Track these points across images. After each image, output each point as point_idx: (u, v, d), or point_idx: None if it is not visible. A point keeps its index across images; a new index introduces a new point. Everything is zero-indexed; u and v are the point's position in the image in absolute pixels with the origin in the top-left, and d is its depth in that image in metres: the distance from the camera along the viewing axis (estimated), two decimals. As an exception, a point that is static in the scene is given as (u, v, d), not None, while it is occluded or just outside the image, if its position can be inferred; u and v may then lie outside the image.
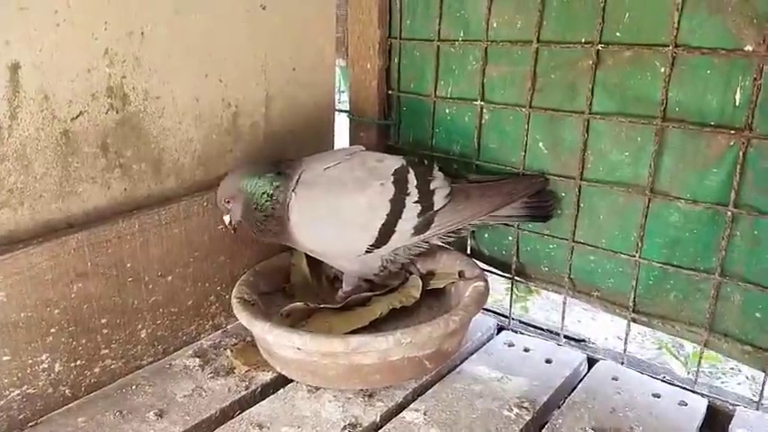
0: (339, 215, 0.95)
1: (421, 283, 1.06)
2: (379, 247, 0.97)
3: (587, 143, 0.95)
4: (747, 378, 1.64)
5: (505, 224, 1.07)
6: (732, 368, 1.68)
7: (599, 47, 0.90)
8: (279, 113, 1.14)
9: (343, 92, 1.70)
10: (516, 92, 1.01)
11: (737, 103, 0.81)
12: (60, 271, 0.84)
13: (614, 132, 0.92)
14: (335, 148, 1.28)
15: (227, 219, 0.99)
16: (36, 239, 0.83)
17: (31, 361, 0.84)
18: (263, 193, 0.95)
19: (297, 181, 0.95)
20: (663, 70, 0.85)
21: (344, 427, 0.84)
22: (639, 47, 0.87)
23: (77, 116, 0.85)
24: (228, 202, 0.97)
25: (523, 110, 1.00)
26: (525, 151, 1.02)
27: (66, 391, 0.89)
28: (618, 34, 0.89)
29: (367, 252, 0.97)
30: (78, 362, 0.89)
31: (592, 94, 0.92)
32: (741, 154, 0.81)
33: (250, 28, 1.06)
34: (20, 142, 0.80)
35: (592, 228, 0.98)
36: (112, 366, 0.94)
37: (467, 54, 1.06)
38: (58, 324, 0.86)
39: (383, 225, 0.95)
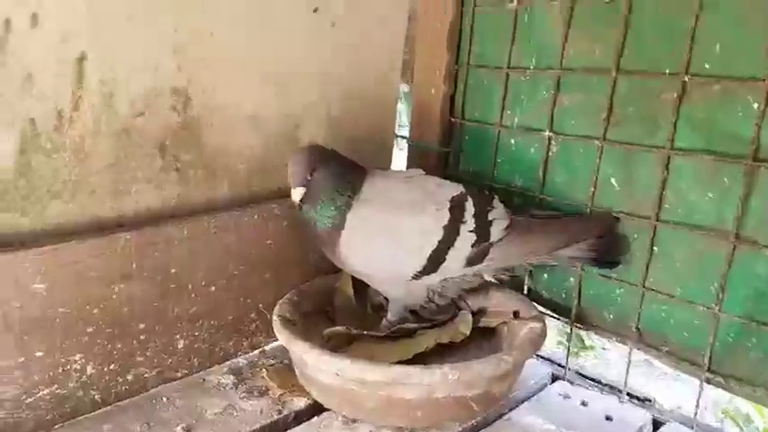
0: (389, 236, 0.90)
1: (471, 319, 1.00)
2: (427, 275, 0.91)
3: (666, 181, 0.88)
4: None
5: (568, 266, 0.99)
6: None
7: (685, 78, 0.84)
8: (338, 132, 1.12)
9: (402, 126, 1.67)
10: (589, 123, 0.95)
11: (842, 145, 0.73)
12: (105, 269, 0.83)
13: (697, 171, 0.85)
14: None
15: (298, 192, 0.89)
16: (84, 235, 0.81)
17: (64, 360, 0.81)
18: (334, 194, 0.90)
19: (358, 197, 0.91)
20: (756, 106, 0.78)
21: (380, 466, 0.78)
22: (730, 80, 0.81)
23: (139, 114, 0.85)
24: (314, 171, 0.89)
25: (596, 142, 0.94)
26: (595, 187, 0.95)
27: (96, 396, 0.86)
28: (707, 65, 0.83)
29: (414, 278, 0.92)
30: (111, 366, 0.86)
31: (675, 128, 0.86)
32: None
33: (316, 44, 1.05)
34: (79, 134, 0.80)
35: (666, 274, 0.90)
36: (145, 375, 0.90)
37: (537, 82, 1.01)
38: (95, 324, 0.83)
39: (433, 251, 0.90)
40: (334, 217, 0.90)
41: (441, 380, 0.79)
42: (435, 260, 0.90)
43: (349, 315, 1.04)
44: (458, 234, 0.90)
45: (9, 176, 0.75)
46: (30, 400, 0.79)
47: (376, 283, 0.99)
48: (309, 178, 0.89)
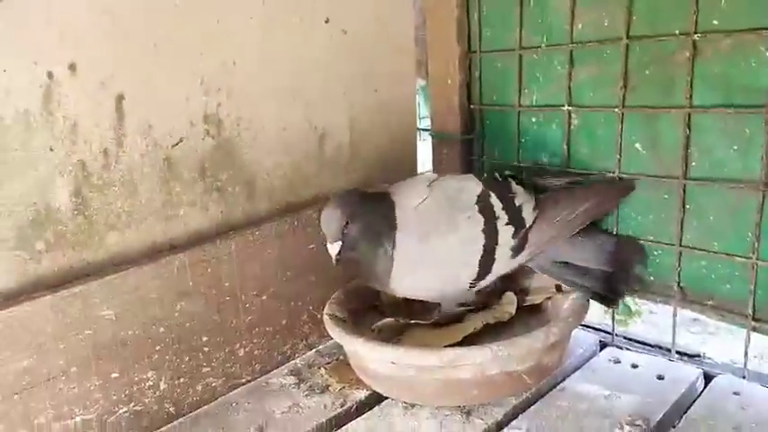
0: (436, 260, 0.91)
1: (516, 299, 1.03)
2: (482, 279, 0.93)
3: (690, 139, 0.89)
4: None
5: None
6: None
7: (695, 37, 0.85)
8: (362, 135, 1.16)
9: (423, 117, 1.70)
10: (607, 93, 0.97)
11: None
12: (165, 290, 0.88)
13: (718, 126, 0.86)
14: (417, 169, 1.28)
15: (335, 248, 0.90)
16: (142, 260, 0.87)
17: (137, 378, 0.87)
18: (375, 239, 0.90)
19: (397, 230, 0.90)
20: (769, 54, 0.80)
21: (444, 445, 0.81)
22: (740, 32, 0.82)
23: (177, 143, 0.90)
24: (347, 225, 0.88)
25: (616, 110, 0.96)
26: (620, 154, 0.97)
27: (171, 409, 0.92)
28: (715, 21, 0.84)
29: (471, 287, 0.94)
30: (182, 379, 0.92)
31: (691, 87, 0.87)
32: None
33: (333, 53, 1.09)
34: (126, 168, 0.86)
35: (701, 230, 0.91)
36: (213, 384, 0.96)
37: (551, 59, 1.04)
38: (163, 342, 0.89)
39: (482, 257, 0.91)
40: (383, 256, 0.90)
41: (492, 357, 0.82)
42: (485, 264, 0.92)
43: (396, 307, 1.08)
44: (497, 232, 0.92)
45: (68, 217, 0.82)
46: (111, 419, 0.85)
47: (433, 299, 1.01)
48: (345, 231, 0.88)
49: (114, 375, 0.85)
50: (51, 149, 0.79)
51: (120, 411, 0.86)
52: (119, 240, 0.87)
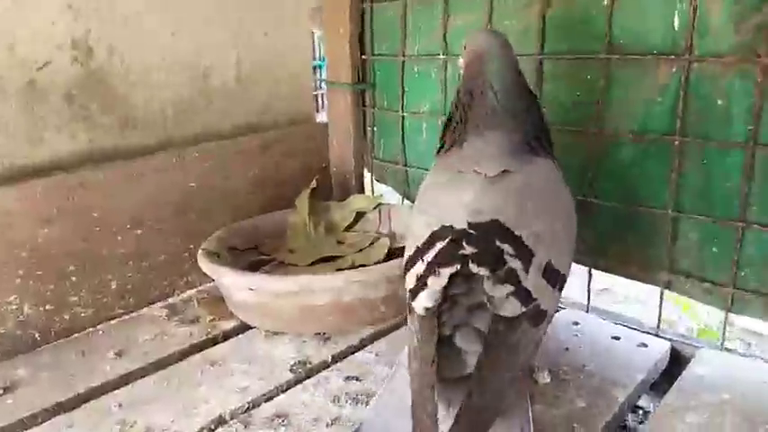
0: None
1: (388, 243, 1.07)
2: None
3: (543, 87, 0.94)
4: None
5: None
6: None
7: (546, -11, 0.90)
8: (250, 76, 1.17)
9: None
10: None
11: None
12: (26, 214, 0.88)
13: (568, 72, 0.92)
14: (314, 115, 1.30)
15: None
16: (3, 182, 0.87)
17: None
18: None
19: None
20: (605, 2, 0.85)
21: (294, 364, 0.85)
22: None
23: (42, 66, 0.90)
24: None
25: (481, 56, 1.00)
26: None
27: (36, 335, 0.92)
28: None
29: None
30: (47, 306, 0.92)
31: (543, 34, 0.92)
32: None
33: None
34: (-15, 87, 0.85)
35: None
36: (82, 315, 0.97)
37: (431, 9, 1.07)
38: (25, 267, 0.89)
39: None
40: None
41: (344, 283, 0.86)
42: None
43: (276, 248, 1.12)
44: None
45: None
46: (-29, 340, 0.86)
47: None
48: None
49: (-27, 297, 0.85)
50: None
51: (-20, 333, 0.86)
52: (-23, 161, 0.86)
